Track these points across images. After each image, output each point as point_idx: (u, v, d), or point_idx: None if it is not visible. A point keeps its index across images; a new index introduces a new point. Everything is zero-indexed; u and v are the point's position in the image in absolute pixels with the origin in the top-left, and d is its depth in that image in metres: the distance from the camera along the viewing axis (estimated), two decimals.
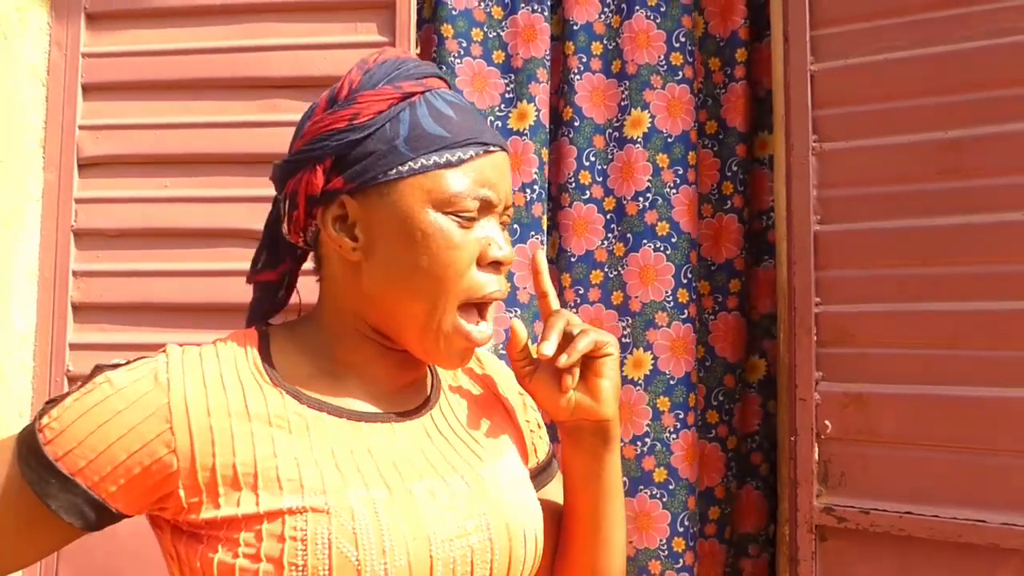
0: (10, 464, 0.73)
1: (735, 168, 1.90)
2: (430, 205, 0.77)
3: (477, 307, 0.81)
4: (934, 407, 1.49)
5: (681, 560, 1.77)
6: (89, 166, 1.95)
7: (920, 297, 1.52)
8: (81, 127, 1.95)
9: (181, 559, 0.74)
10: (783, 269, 1.67)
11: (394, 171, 0.77)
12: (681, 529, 1.77)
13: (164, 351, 0.78)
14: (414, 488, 0.76)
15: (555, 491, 0.96)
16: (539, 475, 0.95)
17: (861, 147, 1.60)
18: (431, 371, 0.90)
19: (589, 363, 0.85)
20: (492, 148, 0.80)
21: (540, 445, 0.97)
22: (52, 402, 0.75)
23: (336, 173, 0.79)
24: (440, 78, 0.84)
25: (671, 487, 1.78)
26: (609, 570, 0.91)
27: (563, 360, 0.81)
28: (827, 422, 1.59)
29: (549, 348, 0.81)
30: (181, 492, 0.72)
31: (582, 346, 0.82)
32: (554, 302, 0.88)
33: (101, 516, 0.73)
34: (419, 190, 0.77)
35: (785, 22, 1.68)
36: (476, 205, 0.79)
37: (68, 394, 0.75)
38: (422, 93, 0.80)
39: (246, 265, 1.83)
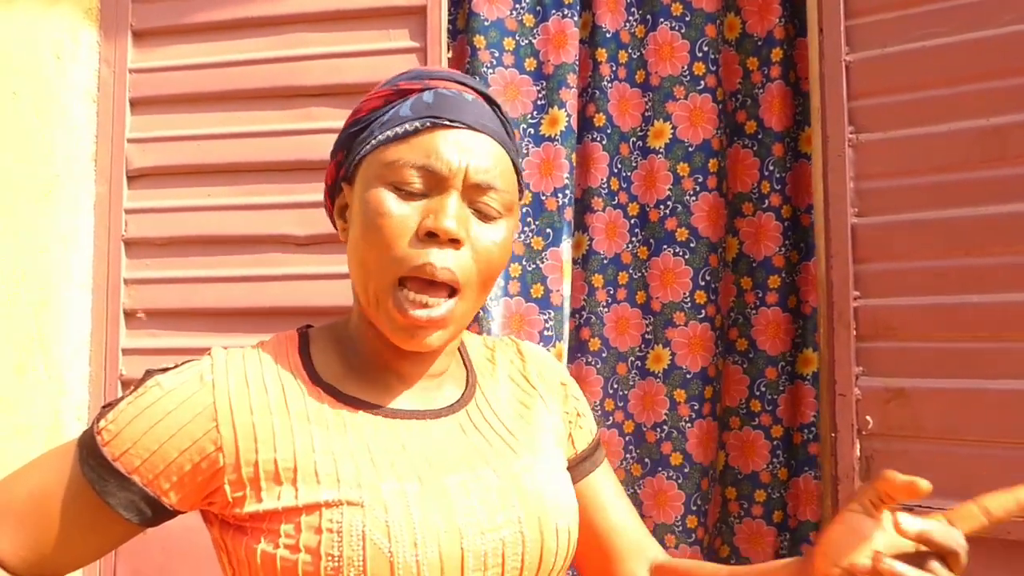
0: (72, 466, 0.77)
1: (771, 167, 1.91)
2: (377, 180, 0.78)
3: (427, 284, 0.77)
4: (978, 401, 1.46)
5: (693, 535, 1.88)
6: (138, 178, 2.02)
7: (962, 289, 1.49)
8: (129, 140, 2.02)
9: (229, 550, 0.77)
10: (821, 263, 1.64)
11: (362, 151, 0.81)
12: (694, 508, 1.88)
13: (209, 354, 0.81)
14: (447, 482, 0.77)
15: (597, 481, 0.95)
16: (579, 464, 0.94)
17: (899, 138, 1.57)
18: (467, 366, 0.91)
19: None
20: (448, 124, 0.78)
21: (580, 436, 0.95)
22: (108, 406, 0.79)
23: (340, 165, 0.85)
24: (458, 81, 0.83)
25: (686, 470, 1.89)
26: None
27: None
28: (868, 418, 1.56)
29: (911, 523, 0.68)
30: (227, 487, 0.75)
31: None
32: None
33: (157, 512, 0.77)
34: (370, 165, 0.80)
35: (820, 13, 1.66)
36: (417, 176, 0.77)
37: (122, 398, 0.79)
38: (420, 90, 0.81)
39: (287, 270, 1.90)
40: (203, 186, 1.97)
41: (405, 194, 0.77)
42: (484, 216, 0.79)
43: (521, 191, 0.87)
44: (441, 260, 0.76)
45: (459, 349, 0.92)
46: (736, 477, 1.94)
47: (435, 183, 0.77)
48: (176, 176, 1.99)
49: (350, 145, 0.83)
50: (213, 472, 0.76)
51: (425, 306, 0.76)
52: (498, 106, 0.85)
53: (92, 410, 2.00)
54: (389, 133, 0.79)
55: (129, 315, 2.00)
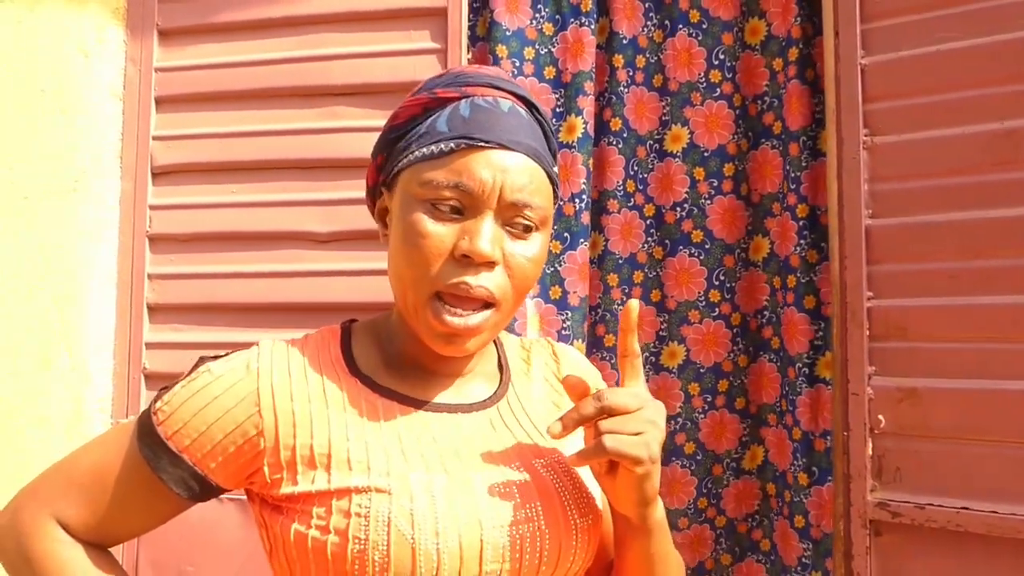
0: (130, 443, 0.84)
1: (788, 167, 1.93)
2: (413, 197, 0.82)
3: (460, 298, 0.80)
4: (991, 402, 1.47)
5: (704, 515, 1.97)
6: (162, 175, 2.06)
7: (975, 290, 1.51)
8: (155, 138, 2.06)
9: (268, 527, 0.82)
10: (835, 264, 1.66)
11: (400, 163, 0.84)
12: (705, 491, 1.98)
13: (258, 345, 0.86)
14: (472, 476, 0.80)
15: None
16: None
17: (913, 140, 1.59)
18: (502, 365, 0.94)
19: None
20: (483, 144, 0.80)
21: None
22: (165, 388, 0.85)
23: (380, 169, 0.89)
24: (496, 87, 0.85)
25: (698, 458, 1.98)
26: None
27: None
28: (880, 417, 1.58)
29: (556, 427, 0.77)
30: (266, 469, 0.80)
31: (591, 452, 0.77)
32: (633, 372, 0.81)
33: (204, 488, 0.83)
34: (408, 181, 0.83)
35: (835, 16, 1.68)
36: (452, 196, 0.80)
37: (177, 381, 0.85)
38: (459, 99, 0.83)
39: (310, 267, 1.94)
40: (227, 183, 2.00)
41: (441, 213, 0.80)
42: (518, 233, 0.82)
43: (556, 198, 0.89)
44: (476, 280, 0.79)
45: (497, 347, 0.96)
46: (775, 474, 1.96)
47: (470, 203, 0.80)
48: (200, 173, 2.03)
49: (389, 151, 0.87)
50: (254, 454, 0.81)
51: (461, 315, 0.80)
52: (536, 107, 0.86)
53: (115, 403, 2.04)
54: (425, 151, 0.82)
55: (152, 309, 2.04)
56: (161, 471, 0.82)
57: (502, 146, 0.81)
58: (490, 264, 0.80)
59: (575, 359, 1.01)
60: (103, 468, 0.84)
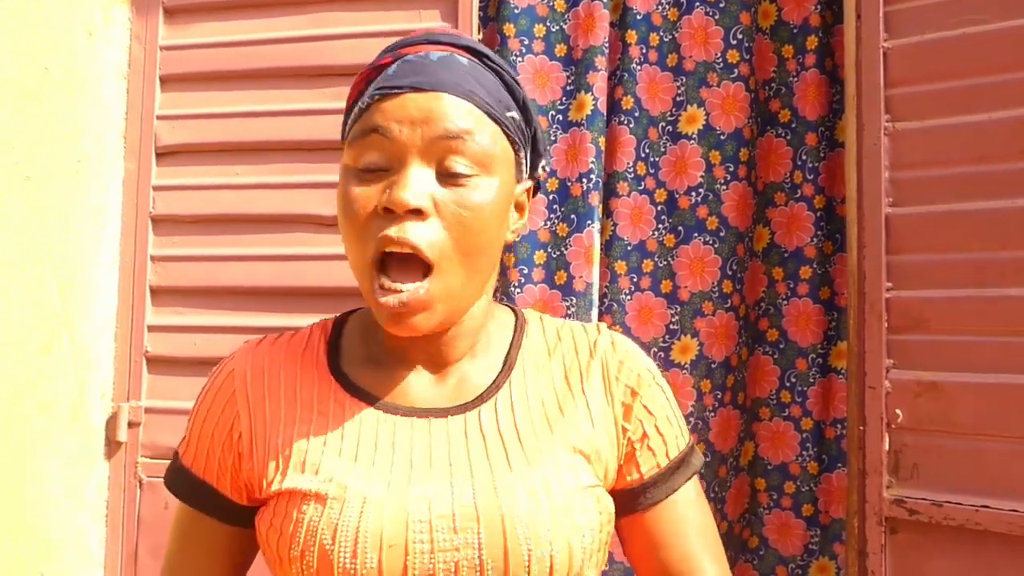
0: (178, 506, 0.83)
1: (804, 157, 1.89)
2: (345, 168, 0.77)
3: (403, 266, 0.73)
4: (1014, 397, 1.43)
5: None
6: (166, 155, 2.03)
7: (998, 282, 1.46)
8: (159, 117, 2.03)
9: (256, 527, 0.80)
10: (853, 253, 1.61)
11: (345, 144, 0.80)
12: (713, 496, 1.88)
13: (245, 343, 0.84)
14: (413, 491, 0.73)
15: (660, 516, 0.81)
16: (641, 493, 0.81)
17: (936, 127, 1.54)
18: (510, 355, 0.82)
19: None
20: (396, 91, 0.73)
21: (645, 459, 0.81)
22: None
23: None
24: (431, 42, 0.78)
25: (708, 460, 1.88)
26: None
27: None
28: (898, 411, 1.53)
29: None
30: (251, 473, 0.78)
31: None
32: None
33: (226, 508, 0.80)
34: (342, 158, 0.78)
35: None
36: (373, 153, 0.74)
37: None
38: (392, 63, 0.77)
39: (314, 250, 1.90)
40: (231, 164, 1.97)
41: (366, 176, 0.74)
42: (453, 179, 0.73)
43: (520, 146, 0.80)
44: (397, 232, 0.71)
45: (516, 332, 0.85)
46: (765, 468, 1.93)
47: (392, 155, 0.73)
48: (204, 154, 2.00)
49: (342, 135, 0.82)
50: (238, 457, 0.79)
51: (396, 292, 0.72)
52: (486, 56, 0.79)
53: (117, 387, 2.02)
54: (350, 120, 0.78)
55: (155, 291, 2.01)
56: (188, 498, 0.82)
57: (419, 89, 0.73)
58: (417, 214, 0.71)
59: (621, 357, 0.83)
60: (176, 549, 0.84)
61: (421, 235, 0.71)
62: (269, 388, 0.79)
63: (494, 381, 0.80)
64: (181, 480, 0.82)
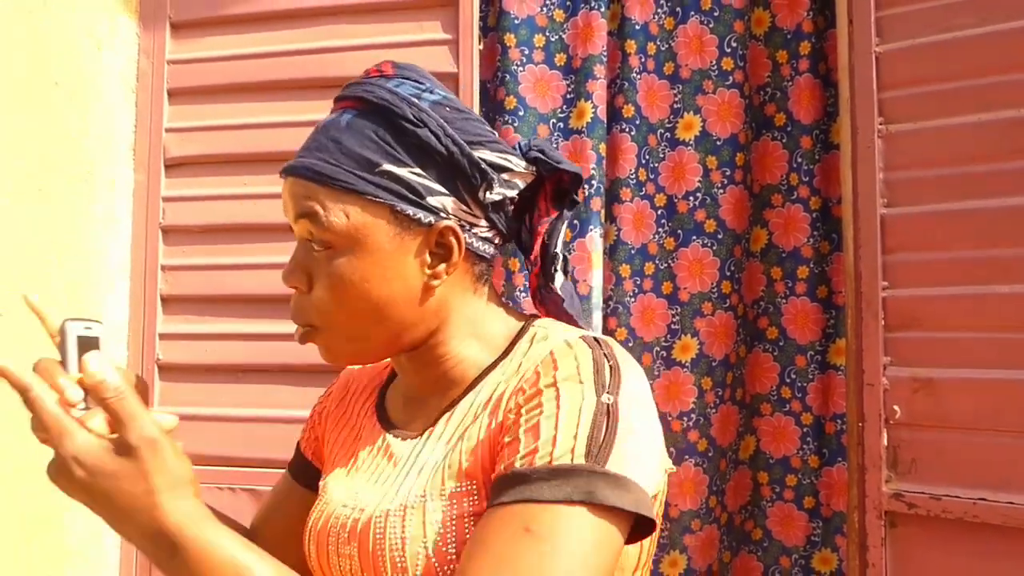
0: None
1: (800, 160, 1.93)
2: None
3: None
4: (1007, 392, 1.46)
5: (712, 514, 1.95)
6: (175, 166, 2.07)
7: (991, 280, 1.49)
8: (167, 130, 2.07)
9: None
10: (849, 254, 1.65)
11: None
12: (715, 489, 1.94)
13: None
14: (343, 507, 0.83)
15: (482, 523, 0.70)
16: (493, 492, 0.71)
17: (928, 128, 1.57)
18: (472, 386, 0.81)
19: None
20: (283, 175, 0.82)
21: (505, 456, 0.71)
22: None
23: None
24: (342, 97, 0.82)
25: (710, 455, 1.94)
26: None
27: None
28: (896, 407, 1.57)
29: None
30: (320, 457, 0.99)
31: None
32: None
33: (307, 470, 0.99)
34: None
35: (850, 4, 1.66)
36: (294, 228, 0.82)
37: None
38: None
39: None
40: (240, 175, 2.01)
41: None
42: (320, 251, 0.78)
43: (401, 200, 0.77)
44: (292, 307, 0.82)
45: (490, 365, 0.82)
46: (768, 462, 1.98)
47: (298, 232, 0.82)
48: (213, 165, 2.03)
49: None
50: (320, 441, 1.00)
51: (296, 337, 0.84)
52: (373, 104, 0.78)
53: None
54: None
55: (165, 300, 2.04)
56: (289, 465, 1.03)
57: (284, 173, 0.81)
58: (297, 288, 0.81)
59: (537, 367, 0.74)
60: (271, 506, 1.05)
61: (301, 307, 0.81)
62: (335, 410, 0.98)
63: (454, 405, 0.81)
64: (294, 455, 1.02)
